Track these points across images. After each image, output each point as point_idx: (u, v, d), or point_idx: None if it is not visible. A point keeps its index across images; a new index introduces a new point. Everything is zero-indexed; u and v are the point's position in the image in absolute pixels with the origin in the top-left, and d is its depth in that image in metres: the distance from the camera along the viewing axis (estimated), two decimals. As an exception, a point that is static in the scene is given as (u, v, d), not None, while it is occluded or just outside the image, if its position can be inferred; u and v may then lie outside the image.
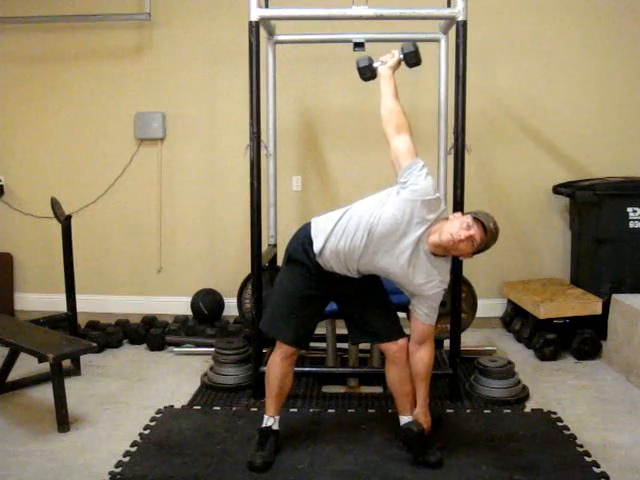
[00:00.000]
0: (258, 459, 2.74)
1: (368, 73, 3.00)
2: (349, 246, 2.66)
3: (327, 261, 2.72)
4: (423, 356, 2.82)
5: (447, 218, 2.70)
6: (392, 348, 2.84)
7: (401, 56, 2.95)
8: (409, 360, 2.84)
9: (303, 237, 2.79)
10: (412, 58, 2.97)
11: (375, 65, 2.96)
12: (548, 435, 3.04)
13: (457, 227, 2.60)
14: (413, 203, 2.62)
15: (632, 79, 4.59)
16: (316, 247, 2.71)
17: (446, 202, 3.95)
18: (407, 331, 2.91)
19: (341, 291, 2.84)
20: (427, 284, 2.71)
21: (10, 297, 4.92)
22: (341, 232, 2.68)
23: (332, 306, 2.95)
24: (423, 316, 2.78)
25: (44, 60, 4.79)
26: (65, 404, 3.13)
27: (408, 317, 3.59)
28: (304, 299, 2.79)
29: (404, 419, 2.89)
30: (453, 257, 2.83)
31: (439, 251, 2.68)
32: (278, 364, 2.84)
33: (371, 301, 2.85)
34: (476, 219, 2.64)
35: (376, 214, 2.65)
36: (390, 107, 2.77)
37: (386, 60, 2.92)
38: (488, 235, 2.64)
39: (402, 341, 2.84)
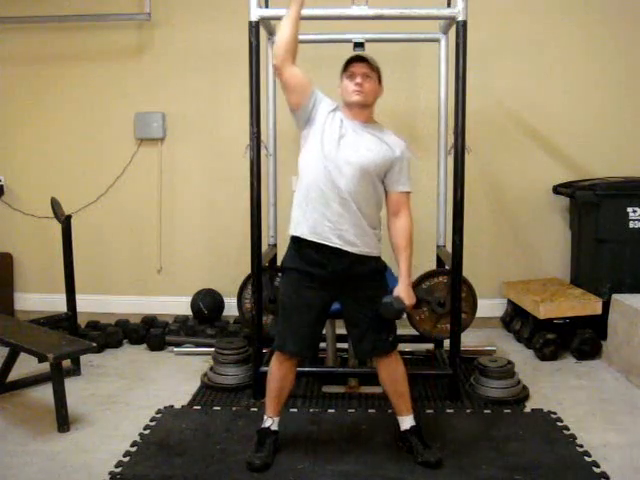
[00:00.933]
0: (257, 460, 2.74)
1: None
2: (317, 188, 2.67)
3: (315, 226, 2.68)
4: (400, 226, 2.78)
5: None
6: (381, 360, 2.86)
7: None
8: (388, 230, 2.82)
9: (289, 244, 2.82)
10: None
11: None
12: (548, 435, 3.04)
13: (348, 84, 2.73)
14: (329, 113, 2.74)
15: (632, 79, 4.59)
16: (298, 230, 2.72)
17: (446, 202, 3.96)
18: (404, 331, 2.90)
19: (341, 289, 2.78)
20: (393, 144, 2.76)
21: (10, 297, 4.92)
22: (300, 192, 2.74)
23: (334, 305, 2.94)
24: (396, 186, 2.77)
25: (44, 60, 4.79)
26: (65, 404, 3.14)
27: (408, 317, 3.60)
28: (302, 307, 2.76)
29: (403, 420, 2.89)
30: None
31: (363, 114, 2.76)
32: (279, 366, 2.84)
33: (365, 313, 2.79)
34: (350, 63, 2.75)
35: (316, 144, 2.71)
36: (292, 34, 2.78)
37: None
38: (368, 59, 2.75)
39: (392, 353, 2.84)
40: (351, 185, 2.67)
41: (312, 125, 2.76)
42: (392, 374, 2.85)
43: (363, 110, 2.77)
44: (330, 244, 2.68)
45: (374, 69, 2.77)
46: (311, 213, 2.69)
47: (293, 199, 2.80)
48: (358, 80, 2.71)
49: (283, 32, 2.76)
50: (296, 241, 2.76)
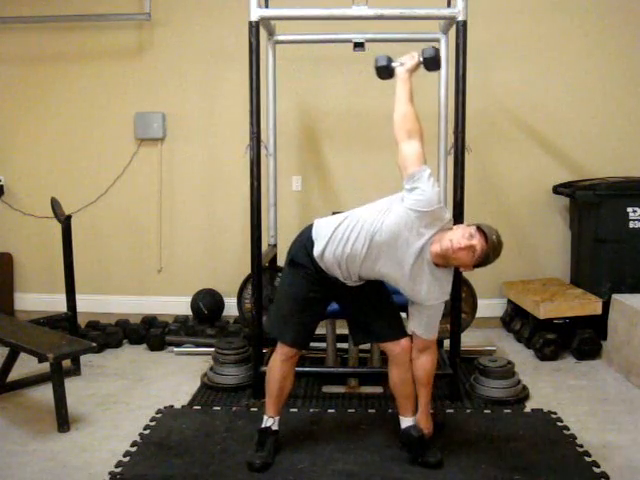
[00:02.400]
0: (257, 460, 2.75)
1: (385, 74, 2.91)
2: (350, 252, 2.64)
3: (328, 266, 2.72)
4: (424, 363, 2.81)
5: (451, 228, 2.66)
6: (394, 349, 2.83)
7: (421, 59, 2.88)
8: (412, 362, 2.83)
9: (305, 240, 2.78)
10: (432, 63, 2.90)
11: (394, 65, 2.87)
12: (548, 435, 3.04)
13: (459, 235, 2.57)
14: (417, 212, 2.58)
15: (632, 79, 4.59)
16: (315, 251, 2.71)
17: (446, 202, 3.96)
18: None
19: (343, 292, 2.82)
20: (428, 294, 2.68)
21: (10, 297, 4.92)
22: (340, 238, 2.66)
23: (332, 306, 2.95)
24: (423, 331, 2.77)
25: (44, 60, 4.79)
26: (65, 404, 3.13)
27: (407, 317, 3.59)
28: (305, 301, 2.78)
29: (404, 420, 2.89)
30: (455, 269, 2.76)
31: (440, 261, 2.63)
32: (278, 366, 2.84)
33: (373, 301, 2.84)
34: (479, 229, 2.61)
35: (378, 221, 2.61)
36: (404, 111, 2.69)
37: (405, 62, 2.84)
38: (489, 246, 2.59)
39: (404, 341, 2.82)
40: (371, 278, 2.74)
41: (402, 204, 2.62)
42: (403, 375, 2.85)
43: (441, 259, 2.63)
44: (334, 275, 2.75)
45: (484, 256, 2.60)
46: (329, 255, 2.68)
47: (339, 221, 2.71)
48: (463, 245, 2.54)
49: (395, 111, 2.71)
50: (312, 249, 2.73)
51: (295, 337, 2.81)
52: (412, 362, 2.83)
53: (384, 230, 2.60)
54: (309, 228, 2.80)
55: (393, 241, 2.60)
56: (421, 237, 2.60)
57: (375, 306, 2.84)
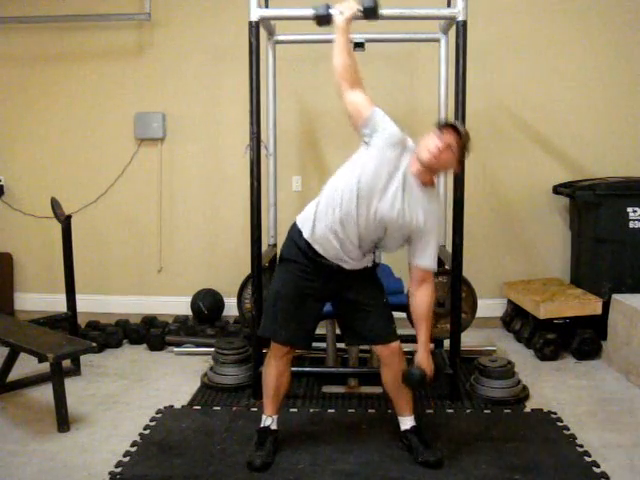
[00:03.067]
0: (257, 459, 2.74)
1: (324, 22, 2.93)
2: (342, 214, 2.62)
3: (323, 242, 2.68)
4: (423, 297, 2.75)
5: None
6: (384, 352, 2.83)
7: (361, 8, 2.88)
8: (410, 297, 2.80)
9: (292, 234, 2.79)
10: (371, 13, 2.92)
11: (332, 13, 2.87)
12: (548, 435, 3.04)
13: (432, 143, 2.59)
14: (389, 147, 2.63)
15: (632, 79, 4.59)
16: (306, 234, 2.70)
17: (446, 202, 3.97)
18: (406, 331, 2.91)
19: (335, 290, 2.80)
20: (425, 217, 2.67)
21: (10, 297, 4.92)
22: (325, 210, 2.67)
23: (331, 306, 2.95)
24: (422, 262, 2.72)
25: (44, 60, 4.79)
26: (65, 404, 3.13)
27: (408, 317, 3.59)
28: (297, 297, 2.77)
29: (403, 420, 2.89)
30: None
31: (427, 176, 2.66)
32: (273, 364, 2.85)
33: (365, 302, 2.81)
34: (444, 127, 2.64)
35: (356, 174, 2.62)
36: (346, 61, 2.71)
37: (343, 11, 2.83)
38: (463, 135, 2.62)
39: (394, 344, 2.82)
40: (370, 233, 2.67)
41: (369, 148, 2.67)
42: (395, 374, 2.84)
43: (427, 173, 2.66)
44: (327, 257, 2.71)
45: (462, 148, 2.64)
46: (323, 230, 2.67)
47: (317, 200, 2.74)
48: (441, 146, 2.58)
49: (335, 61, 2.72)
50: (301, 237, 2.74)
51: (289, 335, 2.79)
52: (410, 298, 2.79)
53: (364, 178, 2.61)
54: (293, 225, 2.81)
55: (376, 182, 2.61)
56: (399, 168, 2.64)
57: (367, 307, 2.81)
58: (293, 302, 2.77)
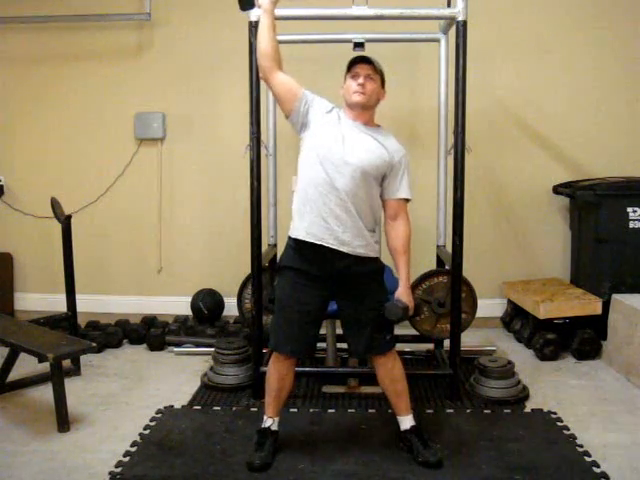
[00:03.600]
0: (257, 460, 2.74)
1: (247, 5, 2.93)
2: (319, 190, 2.66)
3: (315, 230, 2.68)
4: (398, 231, 2.79)
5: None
6: (378, 359, 2.86)
7: None
8: (386, 234, 2.84)
9: (288, 242, 2.82)
10: None
11: None
12: (548, 435, 3.05)
13: (348, 83, 2.75)
14: (324, 114, 2.75)
15: (632, 79, 4.59)
16: (295, 230, 2.74)
17: (446, 202, 3.96)
18: (404, 331, 2.90)
19: (336, 292, 2.80)
20: (391, 151, 2.75)
21: (10, 297, 4.92)
22: (303, 198, 2.72)
23: (332, 306, 2.94)
24: (395, 193, 2.78)
25: (44, 60, 4.79)
26: (65, 404, 3.13)
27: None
28: (297, 305, 2.76)
29: (402, 420, 2.89)
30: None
31: (366, 115, 2.77)
32: (277, 366, 2.85)
33: (364, 314, 2.79)
34: (352, 64, 2.76)
35: (312, 150, 2.71)
36: (273, 43, 2.75)
37: None
38: (371, 60, 2.75)
39: (389, 353, 2.84)
40: (349, 186, 2.67)
41: (308, 127, 2.77)
42: (390, 373, 2.85)
43: (365, 112, 2.77)
44: (325, 244, 2.69)
45: (377, 71, 2.77)
46: (308, 214, 2.70)
47: (293, 201, 2.81)
48: (360, 81, 2.72)
49: (262, 43, 2.76)
50: (293, 242, 2.77)
51: (291, 348, 2.80)
52: (386, 233, 2.84)
53: (320, 144, 2.70)
54: (288, 237, 2.84)
55: (330, 140, 2.70)
56: (342, 122, 2.75)
57: (365, 318, 2.79)
58: (294, 312, 2.77)
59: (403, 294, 2.79)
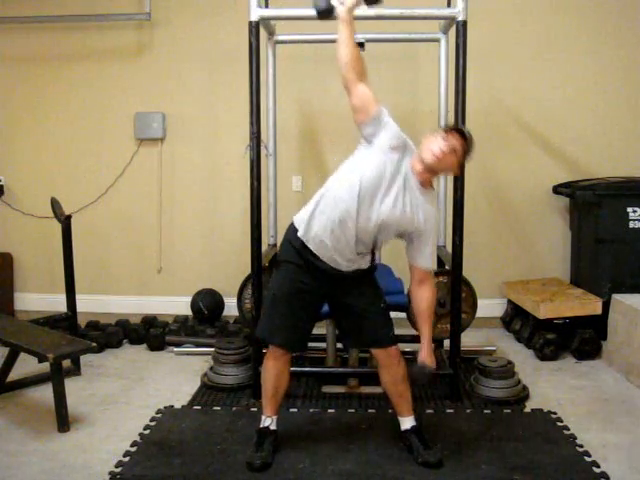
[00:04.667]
0: (256, 460, 2.74)
1: (325, 14, 2.85)
2: (341, 213, 2.61)
3: (317, 243, 2.67)
4: (424, 296, 2.78)
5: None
6: (380, 355, 2.85)
7: None
8: (411, 295, 2.82)
9: (288, 234, 2.79)
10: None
11: (334, 4, 2.79)
12: (548, 435, 3.04)
13: (437, 144, 2.60)
14: (393, 148, 2.63)
15: (632, 79, 4.59)
16: (301, 231, 2.70)
17: (446, 202, 3.97)
18: (403, 331, 2.90)
19: (332, 292, 2.80)
20: (425, 217, 2.69)
21: (10, 297, 4.92)
22: (324, 207, 2.65)
23: (329, 307, 2.94)
24: (422, 262, 2.75)
25: (44, 60, 4.79)
26: (65, 404, 3.13)
27: (408, 317, 3.59)
28: (293, 300, 2.76)
29: (403, 420, 2.90)
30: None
31: (427, 176, 2.67)
32: (271, 365, 2.85)
33: (362, 307, 2.81)
34: (450, 130, 2.66)
35: (358, 173, 2.61)
36: (353, 53, 2.66)
37: (344, 1, 2.75)
38: (468, 139, 2.65)
39: (392, 349, 2.83)
40: (369, 235, 2.67)
41: (372, 145, 2.66)
42: (393, 375, 2.85)
43: (428, 175, 2.68)
44: (323, 262, 2.69)
45: (465, 152, 2.68)
46: (321, 231, 2.66)
47: (316, 199, 2.72)
48: (445, 149, 2.60)
49: (344, 54, 2.65)
50: (296, 236, 2.74)
51: (284, 339, 2.79)
52: (412, 297, 2.83)
53: (367, 176, 2.60)
54: (290, 225, 2.81)
55: (379, 182, 2.60)
56: (401, 167, 2.64)
57: (364, 312, 2.81)
58: (289, 304, 2.76)
59: (426, 357, 2.79)
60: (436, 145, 2.60)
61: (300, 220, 2.75)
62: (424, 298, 2.77)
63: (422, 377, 2.79)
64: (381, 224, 2.64)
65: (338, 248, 2.66)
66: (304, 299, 2.77)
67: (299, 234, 2.72)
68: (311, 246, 2.69)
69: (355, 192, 2.60)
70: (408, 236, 2.73)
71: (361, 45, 3.79)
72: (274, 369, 2.84)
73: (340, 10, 2.75)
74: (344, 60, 2.66)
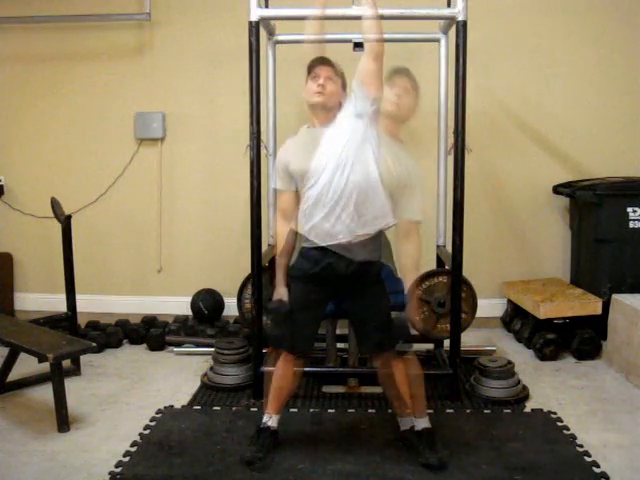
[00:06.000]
0: (247, 453, 2.76)
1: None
2: (334, 187, 2.61)
3: (319, 230, 2.66)
4: (409, 249, 2.84)
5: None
6: (377, 359, 2.89)
7: None
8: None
9: (298, 246, 2.84)
10: None
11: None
12: (548, 435, 3.05)
13: (390, 93, 2.75)
14: (376, 121, 2.69)
15: (632, 79, 4.59)
16: (303, 226, 2.71)
17: (446, 202, 3.96)
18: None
19: (338, 294, 2.81)
20: (409, 171, 2.78)
21: (10, 297, 4.92)
22: (312, 192, 2.67)
23: (332, 306, 2.95)
24: (409, 215, 2.80)
25: (44, 60, 4.79)
26: (65, 404, 3.13)
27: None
28: (303, 308, 2.78)
29: (402, 421, 2.90)
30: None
31: (395, 124, 2.82)
32: (280, 365, 2.87)
33: (364, 313, 2.82)
34: (395, 74, 2.79)
35: (335, 142, 2.66)
36: (382, 36, 2.68)
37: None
38: (410, 76, 2.81)
39: (387, 354, 2.84)
40: (362, 199, 2.66)
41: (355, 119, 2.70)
42: (390, 376, 2.85)
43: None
44: (332, 255, 2.68)
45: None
46: (319, 209, 2.67)
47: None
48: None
49: (378, 36, 2.66)
50: (304, 241, 2.77)
51: (292, 343, 2.81)
52: (397, 250, 2.89)
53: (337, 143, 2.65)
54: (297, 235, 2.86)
55: (356, 146, 2.63)
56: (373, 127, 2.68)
57: (365, 318, 2.81)
58: (305, 311, 2.79)
59: (412, 312, 2.87)
60: (390, 94, 2.76)
61: (299, 221, 2.78)
62: (409, 253, 2.84)
63: (402, 331, 2.82)
64: (373, 174, 2.64)
65: (341, 222, 2.63)
66: (312, 306, 2.80)
67: (303, 229, 2.73)
68: (316, 239, 2.68)
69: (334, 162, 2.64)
70: (395, 191, 2.76)
71: (361, 45, 3.79)
72: (281, 370, 2.87)
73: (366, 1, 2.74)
74: (375, 37, 2.66)
